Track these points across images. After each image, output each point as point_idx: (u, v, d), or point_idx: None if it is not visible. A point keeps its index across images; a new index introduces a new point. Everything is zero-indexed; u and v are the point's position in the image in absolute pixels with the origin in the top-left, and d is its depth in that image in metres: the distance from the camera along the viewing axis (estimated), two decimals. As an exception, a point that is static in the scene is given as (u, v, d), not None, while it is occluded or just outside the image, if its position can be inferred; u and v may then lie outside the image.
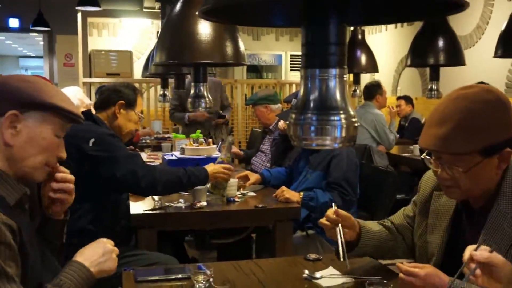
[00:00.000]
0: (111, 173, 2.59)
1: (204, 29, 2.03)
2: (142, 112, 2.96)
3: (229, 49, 2.10)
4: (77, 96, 3.64)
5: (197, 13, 1.88)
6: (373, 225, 1.99)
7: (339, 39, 0.98)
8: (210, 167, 2.89)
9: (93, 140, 2.58)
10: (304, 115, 0.99)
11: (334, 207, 1.88)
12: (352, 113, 1.00)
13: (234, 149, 4.87)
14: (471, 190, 1.62)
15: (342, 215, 1.86)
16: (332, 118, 0.98)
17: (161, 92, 5.64)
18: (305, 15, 0.98)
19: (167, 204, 2.92)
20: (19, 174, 1.52)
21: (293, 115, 1.00)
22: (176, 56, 2.21)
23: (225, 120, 5.89)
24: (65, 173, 1.68)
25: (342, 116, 0.99)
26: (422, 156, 1.71)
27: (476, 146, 1.54)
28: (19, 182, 1.52)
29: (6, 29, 9.91)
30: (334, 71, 0.99)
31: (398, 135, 5.84)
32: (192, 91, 2.45)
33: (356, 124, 1.01)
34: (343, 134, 0.99)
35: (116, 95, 2.85)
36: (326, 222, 1.86)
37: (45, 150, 1.54)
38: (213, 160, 3.27)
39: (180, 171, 2.76)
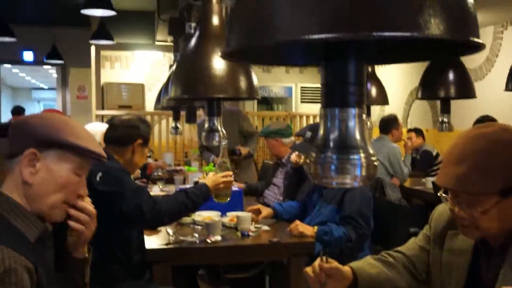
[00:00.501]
0: (118, 208, 2.59)
1: (218, 64, 2.06)
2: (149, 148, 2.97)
3: (242, 83, 2.12)
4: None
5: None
6: (371, 268, 1.87)
7: (359, 79, 0.99)
8: (209, 180, 2.86)
9: (100, 174, 2.59)
10: (325, 154, 1.00)
11: (320, 259, 1.75)
12: (371, 152, 1.01)
13: (237, 183, 4.73)
14: (489, 230, 1.59)
15: (329, 268, 1.74)
16: (352, 157, 0.99)
17: (173, 125, 5.68)
18: (325, 55, 1.00)
19: (181, 238, 2.92)
20: (38, 213, 1.53)
21: (314, 154, 1.01)
22: (190, 91, 2.23)
23: (240, 156, 5.63)
24: (86, 204, 1.68)
25: (362, 155, 0.99)
26: (438, 194, 1.69)
27: (494, 186, 1.51)
28: (40, 219, 1.53)
29: (20, 62, 10.05)
30: (353, 111, 0.99)
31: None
32: (206, 125, 2.47)
33: (375, 163, 1.01)
34: (363, 173, 0.99)
35: (134, 133, 2.85)
36: (310, 274, 1.75)
37: (62, 188, 1.55)
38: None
39: (182, 196, 2.74)
